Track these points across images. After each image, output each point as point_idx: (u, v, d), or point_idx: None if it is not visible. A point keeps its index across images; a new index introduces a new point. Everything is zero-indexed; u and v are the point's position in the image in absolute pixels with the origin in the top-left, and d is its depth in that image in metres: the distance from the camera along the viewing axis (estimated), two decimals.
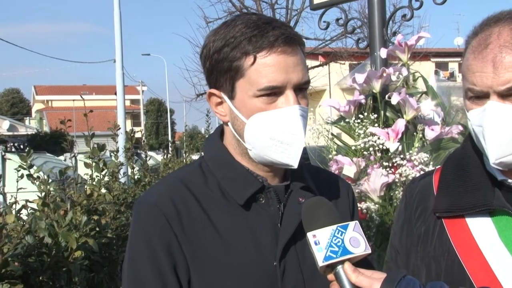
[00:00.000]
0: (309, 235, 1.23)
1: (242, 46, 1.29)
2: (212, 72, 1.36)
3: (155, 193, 1.38)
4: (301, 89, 1.34)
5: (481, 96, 1.29)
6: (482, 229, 1.35)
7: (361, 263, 1.25)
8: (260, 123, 1.31)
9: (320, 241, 1.21)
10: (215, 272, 1.29)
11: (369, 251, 1.23)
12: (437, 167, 1.58)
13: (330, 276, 1.23)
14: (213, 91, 1.38)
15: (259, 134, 1.32)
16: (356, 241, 1.22)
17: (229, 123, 1.39)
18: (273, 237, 1.34)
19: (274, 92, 1.30)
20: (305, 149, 2.99)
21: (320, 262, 1.20)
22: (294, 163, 1.33)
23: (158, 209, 1.32)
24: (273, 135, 1.31)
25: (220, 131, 1.48)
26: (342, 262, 1.21)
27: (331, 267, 1.22)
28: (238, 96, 1.33)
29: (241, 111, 1.33)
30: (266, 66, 1.28)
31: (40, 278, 2.58)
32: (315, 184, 1.45)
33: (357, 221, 1.26)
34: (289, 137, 1.31)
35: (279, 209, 1.37)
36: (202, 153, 1.50)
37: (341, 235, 1.22)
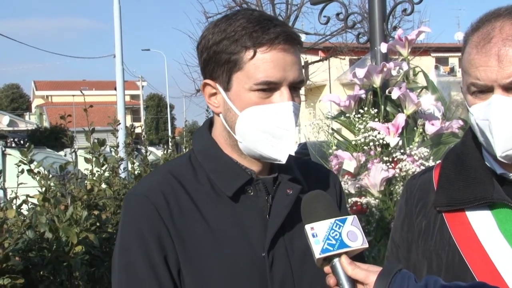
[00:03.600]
0: (307, 227, 1.24)
1: (243, 40, 1.30)
2: (209, 63, 1.37)
3: (146, 185, 1.39)
4: (295, 88, 1.36)
5: (484, 91, 1.29)
6: (482, 222, 1.36)
7: (357, 258, 1.27)
8: (253, 116, 1.33)
9: (318, 233, 1.22)
10: (204, 263, 1.31)
11: (366, 245, 1.25)
12: (437, 163, 1.59)
13: (327, 269, 1.25)
14: (208, 81, 1.39)
15: (251, 127, 1.34)
16: (353, 235, 1.24)
17: (221, 115, 1.40)
18: (262, 228, 1.36)
19: (270, 88, 1.32)
20: (304, 144, 3.01)
21: (317, 255, 1.21)
22: (283, 158, 1.35)
23: (148, 200, 1.33)
24: (265, 129, 1.33)
25: (209, 123, 1.49)
26: (339, 255, 1.22)
27: (328, 260, 1.23)
28: (233, 89, 1.34)
29: (235, 104, 1.35)
30: (265, 62, 1.30)
31: (41, 272, 2.59)
32: (303, 176, 1.46)
33: (355, 216, 1.28)
34: (281, 132, 1.32)
35: (268, 201, 1.39)
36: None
37: (338, 228, 1.23)
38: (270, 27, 1.31)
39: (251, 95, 1.32)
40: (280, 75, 1.31)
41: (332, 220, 1.24)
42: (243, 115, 1.34)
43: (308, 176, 1.49)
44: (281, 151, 1.34)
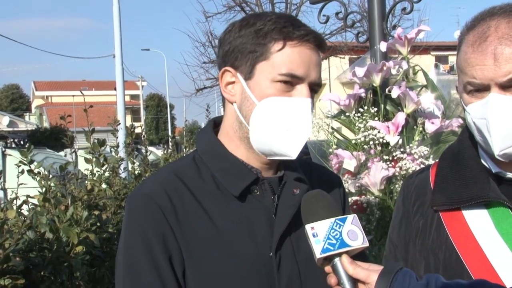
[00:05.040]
0: (307, 227, 1.24)
1: (273, 33, 1.33)
2: (233, 51, 1.37)
3: (149, 185, 1.38)
4: (312, 89, 1.38)
5: (481, 89, 1.30)
6: (478, 221, 1.36)
7: (358, 256, 1.27)
8: (271, 107, 1.33)
9: (318, 233, 1.22)
10: (210, 263, 1.30)
11: (366, 244, 1.24)
12: (434, 162, 1.59)
13: (328, 268, 1.24)
14: (229, 68, 1.39)
15: (267, 118, 1.34)
16: (354, 234, 1.24)
17: (235, 104, 1.40)
18: (268, 228, 1.35)
19: (292, 81, 1.33)
20: (305, 144, 3.01)
21: (318, 254, 1.21)
22: (294, 154, 1.35)
23: (152, 201, 1.32)
24: (281, 122, 1.33)
25: (213, 124, 1.49)
26: (339, 254, 1.22)
27: (329, 260, 1.23)
28: (255, 78, 1.35)
29: (254, 93, 1.35)
30: (293, 55, 1.32)
31: (42, 273, 2.59)
32: (307, 177, 1.46)
33: (355, 215, 1.28)
34: (296, 127, 1.33)
35: (274, 201, 1.38)
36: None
37: (339, 228, 1.23)
38: (300, 25, 1.35)
39: (273, 85, 1.33)
40: (305, 71, 1.33)
41: (333, 219, 1.24)
42: (261, 104, 1.34)
43: (311, 178, 1.49)
44: (293, 147, 1.34)
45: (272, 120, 1.33)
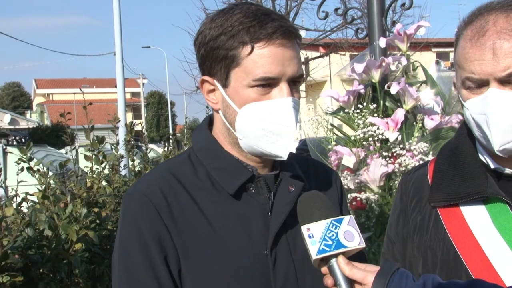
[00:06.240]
0: (303, 228, 1.23)
1: (240, 36, 1.29)
2: (207, 59, 1.35)
3: (145, 184, 1.38)
4: (295, 82, 1.35)
5: (480, 84, 1.29)
6: (476, 217, 1.35)
7: (356, 256, 1.26)
8: (252, 113, 1.31)
9: (314, 234, 1.21)
10: (206, 262, 1.30)
11: (363, 245, 1.24)
12: (431, 158, 1.58)
13: (324, 269, 1.24)
14: (206, 78, 1.37)
15: (250, 124, 1.32)
16: (350, 235, 1.23)
17: (220, 111, 1.39)
18: (264, 226, 1.34)
19: (268, 84, 1.30)
20: (304, 141, 3.00)
21: (314, 255, 1.20)
22: (284, 155, 1.33)
23: (148, 200, 1.32)
24: (265, 126, 1.31)
25: (209, 121, 1.48)
26: (336, 255, 1.21)
27: (325, 260, 1.23)
28: (232, 85, 1.33)
29: (234, 100, 1.33)
30: (263, 57, 1.28)
31: (41, 270, 2.59)
32: (304, 173, 1.45)
33: (351, 216, 1.27)
34: (280, 128, 1.31)
35: (269, 198, 1.38)
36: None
37: (335, 228, 1.22)
38: (267, 21, 1.29)
39: (250, 91, 1.30)
40: (279, 70, 1.29)
41: (329, 220, 1.23)
42: (242, 112, 1.32)
43: (308, 174, 1.48)
44: (282, 148, 1.32)
45: (256, 126, 1.32)
